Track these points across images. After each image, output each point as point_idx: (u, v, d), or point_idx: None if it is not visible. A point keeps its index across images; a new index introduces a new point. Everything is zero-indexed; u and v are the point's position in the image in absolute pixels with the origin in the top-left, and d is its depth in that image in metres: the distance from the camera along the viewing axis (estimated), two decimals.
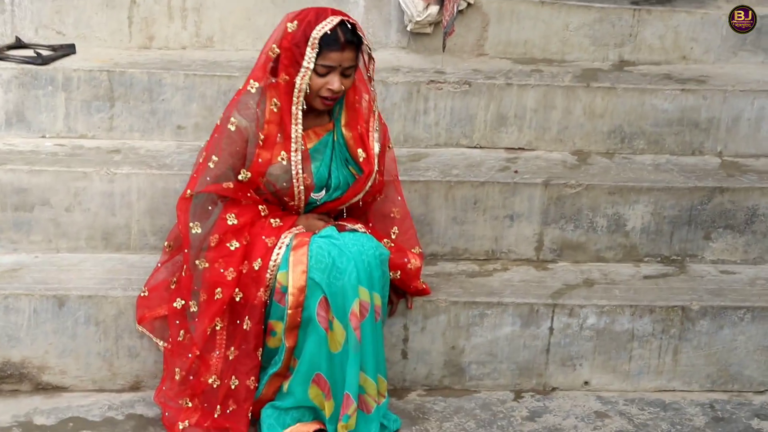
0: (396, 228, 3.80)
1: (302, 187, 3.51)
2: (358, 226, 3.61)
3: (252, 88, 3.46)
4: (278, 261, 3.46)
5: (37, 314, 3.77)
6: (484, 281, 4.02)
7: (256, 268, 3.47)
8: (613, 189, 4.16)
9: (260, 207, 3.54)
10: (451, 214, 4.14)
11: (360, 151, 3.59)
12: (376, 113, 3.63)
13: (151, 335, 3.72)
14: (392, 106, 4.37)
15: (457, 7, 4.43)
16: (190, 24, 4.55)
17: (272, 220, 3.55)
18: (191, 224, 3.52)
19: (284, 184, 3.49)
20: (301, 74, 3.39)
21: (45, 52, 4.38)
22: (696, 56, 4.79)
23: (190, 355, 3.54)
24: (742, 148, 4.54)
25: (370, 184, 3.62)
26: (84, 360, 3.81)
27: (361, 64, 3.51)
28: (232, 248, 3.49)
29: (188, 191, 3.51)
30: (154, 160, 4.13)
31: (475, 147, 4.45)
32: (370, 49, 3.49)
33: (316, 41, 3.35)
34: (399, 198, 3.83)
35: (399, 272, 3.71)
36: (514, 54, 4.70)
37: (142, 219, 4.03)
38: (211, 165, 3.47)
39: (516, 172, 4.22)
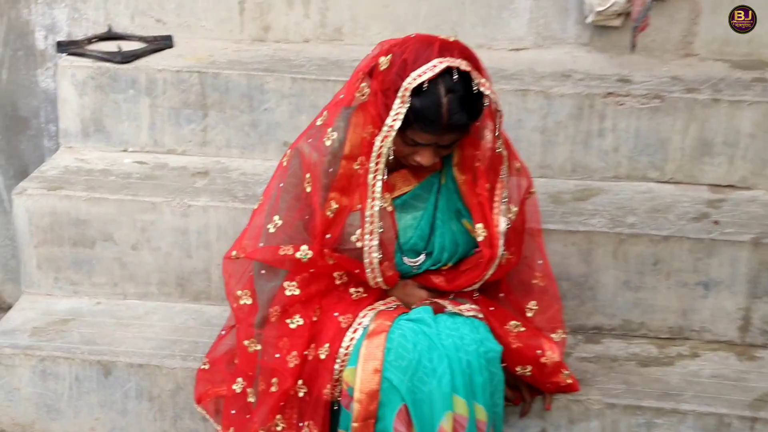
0: (534, 302, 2.95)
1: (374, 254, 2.70)
2: (464, 306, 2.77)
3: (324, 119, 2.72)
4: (350, 350, 2.68)
5: (79, 383, 3.20)
6: (660, 374, 3.09)
7: (322, 356, 2.71)
8: None
9: (335, 274, 2.76)
10: (623, 276, 3.24)
11: (479, 227, 2.77)
12: (505, 171, 2.78)
13: (212, 419, 3.03)
14: (556, 126, 3.48)
15: None
16: (313, 11, 3.80)
17: (353, 290, 2.77)
18: (238, 293, 2.81)
19: (354, 242, 2.71)
20: (382, 134, 2.60)
21: (135, 46, 3.73)
22: None
23: None
24: None
25: (492, 270, 2.80)
26: None
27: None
28: (293, 326, 2.74)
29: (233, 252, 2.79)
30: (244, 188, 3.43)
31: (666, 182, 3.49)
32: (496, 105, 2.64)
33: (408, 94, 2.54)
34: (541, 261, 2.96)
35: (530, 368, 2.87)
36: (735, 55, 3.67)
37: None
38: (271, 229, 2.74)
39: (716, 223, 3.24)
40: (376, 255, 2.69)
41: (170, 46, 3.78)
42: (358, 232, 2.67)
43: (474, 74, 2.56)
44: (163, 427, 3.18)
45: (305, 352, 2.74)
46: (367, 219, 2.67)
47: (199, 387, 3.05)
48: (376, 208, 2.66)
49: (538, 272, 2.96)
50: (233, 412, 2.89)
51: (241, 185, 3.47)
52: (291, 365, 2.73)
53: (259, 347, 2.79)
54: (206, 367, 3.04)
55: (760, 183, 3.46)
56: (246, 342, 2.80)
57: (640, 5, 3.46)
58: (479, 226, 2.78)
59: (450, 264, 2.84)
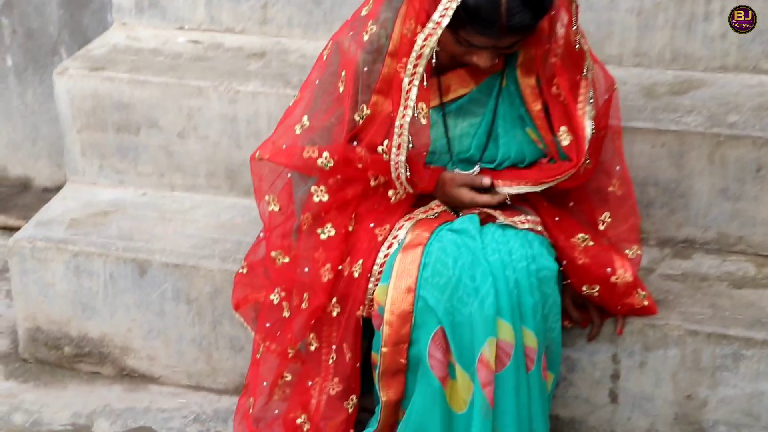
0: (608, 214, 2.59)
1: (401, 170, 2.38)
2: (518, 218, 2.43)
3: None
4: (384, 267, 2.38)
5: (114, 281, 3.00)
6: (754, 297, 2.71)
7: (356, 274, 2.42)
8: None
9: (370, 176, 2.45)
10: (719, 184, 2.84)
11: (564, 130, 2.43)
12: (589, 67, 2.42)
13: (250, 327, 2.79)
14: (655, 6, 3.04)
15: None
16: None
17: (392, 192, 2.46)
18: (267, 197, 2.55)
19: (381, 153, 2.39)
20: (426, 31, 2.25)
21: None
22: None
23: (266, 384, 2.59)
24: None
25: (571, 173, 2.45)
26: (175, 346, 3.04)
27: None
28: (324, 237, 2.46)
29: (257, 153, 2.52)
30: (300, 73, 3.12)
31: None
32: (574, 2, 2.31)
33: None
34: (619, 167, 2.59)
35: (597, 287, 2.53)
36: None
37: None
38: (298, 130, 2.46)
39: None
40: (403, 171, 2.37)
41: None
42: (386, 143, 2.36)
43: None
44: (203, 332, 2.97)
45: (340, 267, 2.46)
46: (396, 130, 2.34)
47: (236, 292, 2.81)
48: (407, 119, 2.33)
49: (615, 179, 2.60)
50: (268, 324, 2.64)
51: (297, 69, 3.16)
52: (324, 279, 2.47)
53: (287, 259, 2.53)
54: (244, 270, 2.79)
55: None
56: (273, 254, 2.55)
57: None
58: (563, 129, 2.44)
59: None
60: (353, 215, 2.48)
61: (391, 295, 2.34)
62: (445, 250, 2.34)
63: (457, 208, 2.48)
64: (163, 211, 3.16)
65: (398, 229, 2.42)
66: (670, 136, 2.85)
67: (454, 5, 2.20)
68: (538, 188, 2.46)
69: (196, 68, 3.20)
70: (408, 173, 2.38)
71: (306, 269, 2.48)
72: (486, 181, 2.42)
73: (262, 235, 2.79)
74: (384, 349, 2.37)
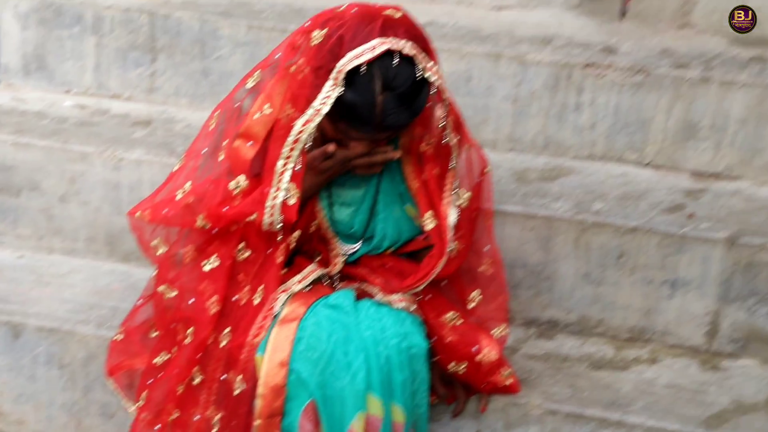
0: (478, 291, 2.69)
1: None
2: (395, 297, 2.52)
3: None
4: (259, 339, 2.45)
5: None
6: (611, 379, 2.84)
7: (222, 343, 2.47)
8: None
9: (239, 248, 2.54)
10: (583, 268, 2.98)
11: (428, 215, 2.52)
12: (454, 160, 2.52)
13: (121, 393, 2.81)
14: (530, 96, 3.20)
15: None
16: None
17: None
18: (153, 243, 2.62)
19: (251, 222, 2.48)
20: (305, 117, 2.33)
21: None
22: None
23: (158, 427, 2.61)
24: None
25: (441, 267, 2.53)
26: (45, 412, 3.02)
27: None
28: (208, 268, 2.50)
29: (137, 212, 2.59)
30: (185, 142, 3.16)
31: (645, 166, 3.21)
32: (445, 96, 2.40)
33: (341, 77, 2.26)
34: (489, 247, 2.70)
35: (464, 365, 2.61)
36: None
37: None
38: (179, 195, 2.52)
39: (691, 216, 2.96)
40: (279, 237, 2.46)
41: None
42: (255, 215, 2.42)
43: (419, 58, 2.29)
44: (74, 398, 2.97)
45: (236, 297, 2.51)
46: (267, 210, 2.40)
47: (111, 358, 2.81)
48: (279, 200, 2.40)
49: (486, 259, 2.70)
50: (150, 381, 2.66)
51: (183, 138, 3.23)
52: (210, 312, 2.50)
53: (174, 293, 2.55)
54: (120, 337, 2.81)
55: (747, 174, 3.17)
56: (160, 288, 2.58)
57: None
58: (428, 214, 2.53)
59: (391, 250, 2.62)
60: (239, 245, 2.51)
61: (265, 369, 2.40)
62: (320, 325, 2.41)
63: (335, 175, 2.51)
64: (40, 274, 3.17)
65: (274, 301, 2.49)
66: (539, 221, 2.98)
67: (335, 95, 2.29)
68: (418, 289, 2.55)
69: (81, 133, 3.24)
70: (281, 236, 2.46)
71: (190, 301, 2.52)
72: (330, 147, 2.43)
73: (140, 302, 2.83)
74: (257, 422, 2.41)
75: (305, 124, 2.32)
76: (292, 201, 2.39)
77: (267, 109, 2.42)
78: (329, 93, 2.29)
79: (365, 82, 2.26)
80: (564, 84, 3.19)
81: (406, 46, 2.28)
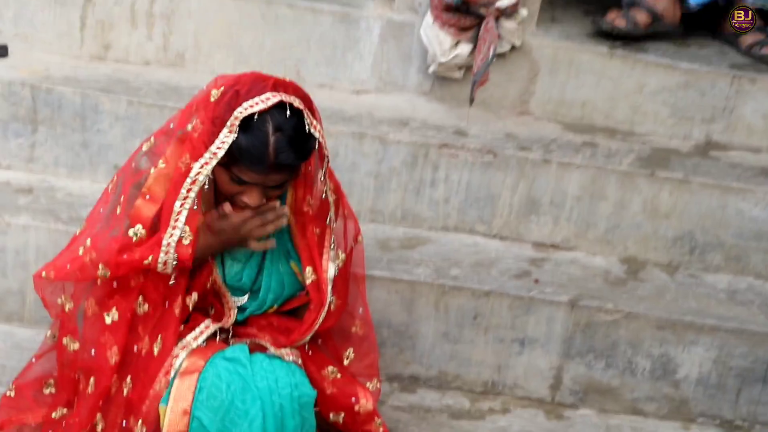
0: (351, 350, 2.96)
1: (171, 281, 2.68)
2: (285, 350, 2.76)
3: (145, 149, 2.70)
4: (162, 389, 2.65)
5: None
6: (470, 427, 3.16)
7: (124, 391, 2.66)
8: (665, 323, 3.28)
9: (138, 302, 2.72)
10: (442, 328, 3.30)
11: (309, 270, 2.77)
12: (331, 217, 2.79)
13: None
14: (390, 172, 3.52)
15: (494, 49, 3.52)
16: (156, 34, 3.75)
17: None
18: (59, 300, 2.76)
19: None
20: (203, 160, 2.54)
21: None
22: None
23: None
24: None
25: (322, 317, 2.79)
26: None
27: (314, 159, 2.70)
28: (109, 321, 2.67)
29: (43, 272, 2.74)
30: (69, 210, 3.37)
31: (493, 237, 3.56)
32: (325, 149, 2.66)
33: (237, 123, 2.49)
34: (362, 309, 2.98)
35: (343, 415, 2.87)
36: (568, 117, 3.78)
37: None
38: (81, 251, 2.68)
39: (536, 281, 3.32)
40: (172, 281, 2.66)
41: (5, 56, 3.68)
42: (151, 257, 2.60)
43: (307, 113, 2.56)
44: None
45: (136, 347, 2.68)
46: (163, 248, 2.59)
47: (1, 414, 2.96)
48: (174, 238, 2.59)
49: (358, 320, 2.97)
50: None
51: (65, 206, 3.40)
52: (111, 362, 2.66)
53: (77, 345, 2.71)
54: (11, 393, 2.94)
55: (582, 245, 3.56)
56: (65, 340, 2.73)
57: (482, 60, 3.53)
58: (308, 269, 2.78)
59: (275, 306, 2.85)
60: (138, 298, 2.69)
61: (168, 417, 2.60)
62: (219, 376, 2.62)
63: (234, 241, 2.70)
64: None
65: (175, 357, 2.69)
66: (403, 285, 3.28)
67: (230, 140, 2.51)
68: (304, 341, 2.80)
69: None
70: (173, 280, 2.65)
71: (93, 352, 2.67)
72: (225, 207, 2.64)
73: (34, 359, 2.98)
74: None
75: (202, 167, 2.54)
76: (186, 241, 2.59)
77: (161, 164, 2.63)
78: (225, 139, 2.51)
79: (259, 126, 2.50)
80: (421, 162, 3.52)
81: (296, 101, 2.55)
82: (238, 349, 2.72)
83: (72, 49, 3.77)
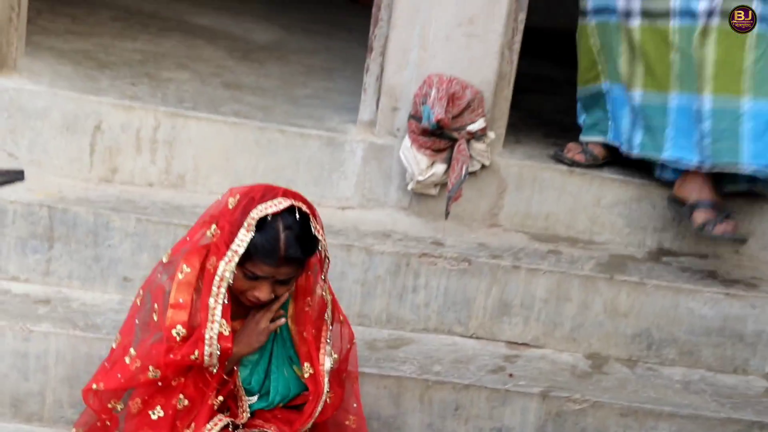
0: None
1: (213, 369, 2.99)
2: None
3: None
4: None
5: None
6: None
7: None
8: (627, 410, 3.63)
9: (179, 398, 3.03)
10: (427, 419, 3.63)
11: (306, 365, 3.11)
12: (329, 315, 3.14)
13: None
14: (375, 279, 3.87)
15: (467, 169, 3.93)
16: (159, 159, 4.12)
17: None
18: (110, 405, 3.06)
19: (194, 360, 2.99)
20: (226, 258, 2.89)
21: None
22: (752, 252, 4.21)
23: None
24: None
25: (320, 408, 3.11)
26: None
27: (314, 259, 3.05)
28: (154, 417, 2.98)
29: (93, 384, 3.05)
30: (84, 318, 3.68)
31: (470, 337, 3.91)
32: (326, 252, 3.02)
33: (254, 224, 2.86)
34: (355, 405, 3.31)
35: None
36: (534, 228, 4.18)
37: (59, 387, 3.60)
38: (127, 360, 2.99)
39: (511, 375, 3.67)
40: (214, 369, 2.96)
41: (22, 180, 4.03)
42: (197, 352, 2.92)
43: (311, 218, 2.92)
44: None
45: None
46: (206, 341, 2.91)
47: None
48: (215, 331, 2.92)
49: (352, 414, 3.29)
50: None
51: (81, 315, 3.71)
52: None
53: None
54: None
55: (550, 343, 3.92)
56: None
57: (456, 178, 3.93)
58: (306, 365, 3.09)
59: (281, 404, 3.15)
60: (180, 396, 2.98)
61: None
62: None
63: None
64: None
65: None
66: (390, 381, 3.61)
67: (248, 238, 2.86)
68: (305, 428, 3.11)
69: None
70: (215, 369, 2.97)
71: None
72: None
73: None
74: None
75: (227, 264, 2.88)
76: (226, 332, 2.93)
77: (180, 276, 2.97)
78: (244, 237, 2.87)
79: (272, 225, 2.87)
80: (403, 270, 3.88)
81: (303, 206, 2.92)
82: None
83: (82, 173, 4.13)
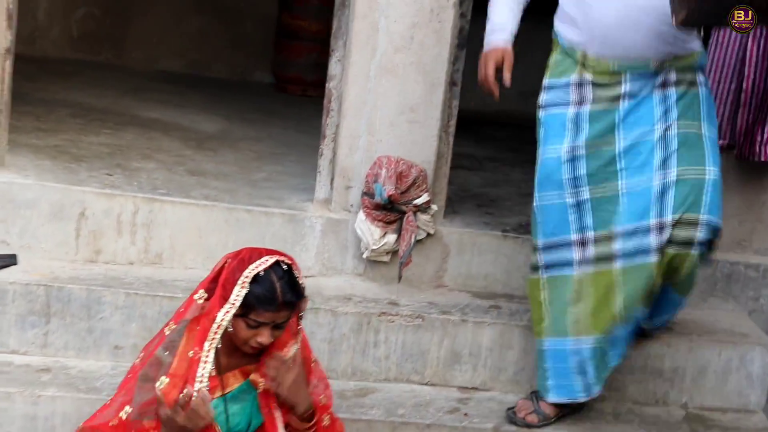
0: None
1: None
2: None
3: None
4: None
5: None
6: None
7: None
8: None
9: None
10: None
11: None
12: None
13: None
14: (341, 337, 4.36)
15: (415, 237, 4.47)
16: (139, 239, 4.58)
17: None
18: None
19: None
20: (224, 309, 3.31)
21: None
22: None
23: None
24: (708, 401, 4.52)
25: None
26: None
27: None
28: None
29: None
30: (84, 383, 4.09)
31: (426, 384, 4.42)
32: (306, 297, 3.47)
33: (248, 281, 3.31)
34: None
35: None
36: (474, 287, 4.72)
37: None
38: (123, 416, 3.37)
39: (466, 415, 4.18)
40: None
41: (15, 263, 4.44)
42: (187, 389, 3.24)
43: (296, 268, 3.38)
44: None
45: None
46: (197, 377, 3.25)
47: None
48: (207, 370, 3.28)
49: None
50: None
51: (81, 380, 4.11)
52: None
53: None
54: None
55: (496, 386, 4.44)
56: None
57: (406, 246, 4.46)
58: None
59: None
60: None
61: None
62: None
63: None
64: None
65: None
66: (361, 424, 4.07)
67: (243, 293, 3.28)
68: None
69: (1, 378, 4.06)
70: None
71: None
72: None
73: None
74: None
75: (225, 314, 3.29)
76: (214, 373, 3.33)
77: (181, 348, 3.42)
78: (239, 293, 3.28)
79: (266, 278, 3.30)
80: (365, 328, 4.37)
81: (286, 259, 3.38)
82: None
83: (69, 255, 4.54)
